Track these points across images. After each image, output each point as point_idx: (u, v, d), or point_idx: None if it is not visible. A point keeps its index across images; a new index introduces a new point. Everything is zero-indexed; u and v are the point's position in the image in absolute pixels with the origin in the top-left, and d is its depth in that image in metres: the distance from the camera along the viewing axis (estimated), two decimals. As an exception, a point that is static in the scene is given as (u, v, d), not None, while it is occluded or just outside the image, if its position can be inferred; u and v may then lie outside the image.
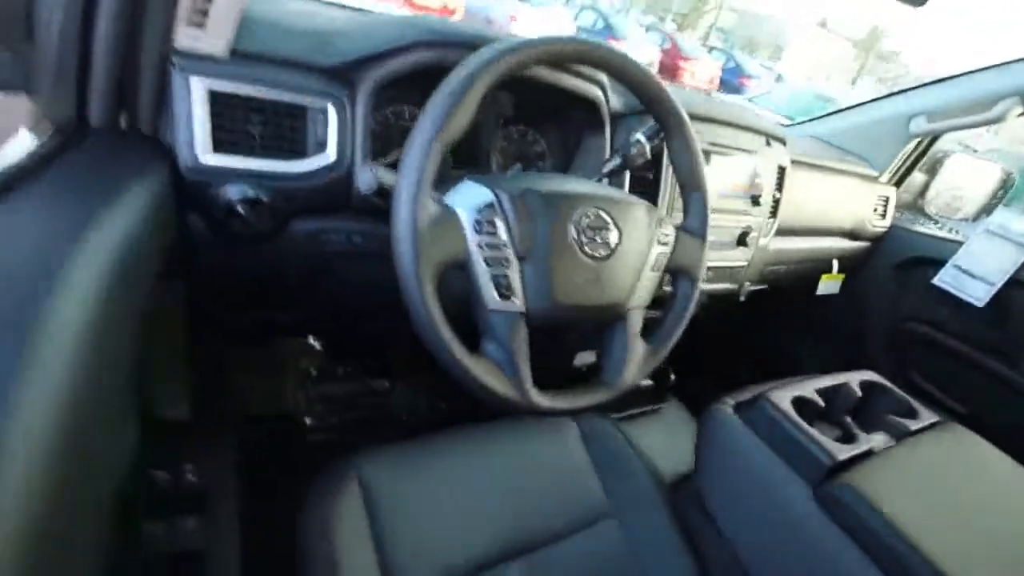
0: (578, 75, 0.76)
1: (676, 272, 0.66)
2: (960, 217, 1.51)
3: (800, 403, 0.75)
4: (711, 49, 16.15)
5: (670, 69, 11.90)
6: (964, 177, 1.50)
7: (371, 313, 0.81)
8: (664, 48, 12.54)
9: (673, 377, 1.21)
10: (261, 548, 0.72)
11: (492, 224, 0.50)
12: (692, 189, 0.66)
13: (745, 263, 1.05)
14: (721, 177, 0.94)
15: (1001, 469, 0.74)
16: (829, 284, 1.40)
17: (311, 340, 1.23)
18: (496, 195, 0.51)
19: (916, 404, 0.83)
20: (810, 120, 1.56)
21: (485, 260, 0.50)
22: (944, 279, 1.31)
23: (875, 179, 1.40)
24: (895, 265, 1.43)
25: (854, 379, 0.84)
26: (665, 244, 0.63)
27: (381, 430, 1.30)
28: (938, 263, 1.34)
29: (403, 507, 0.66)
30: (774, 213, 1.08)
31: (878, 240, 1.45)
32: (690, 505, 0.84)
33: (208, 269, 0.61)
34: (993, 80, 1.17)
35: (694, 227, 0.67)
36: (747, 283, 1.10)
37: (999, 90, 1.16)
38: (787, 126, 1.59)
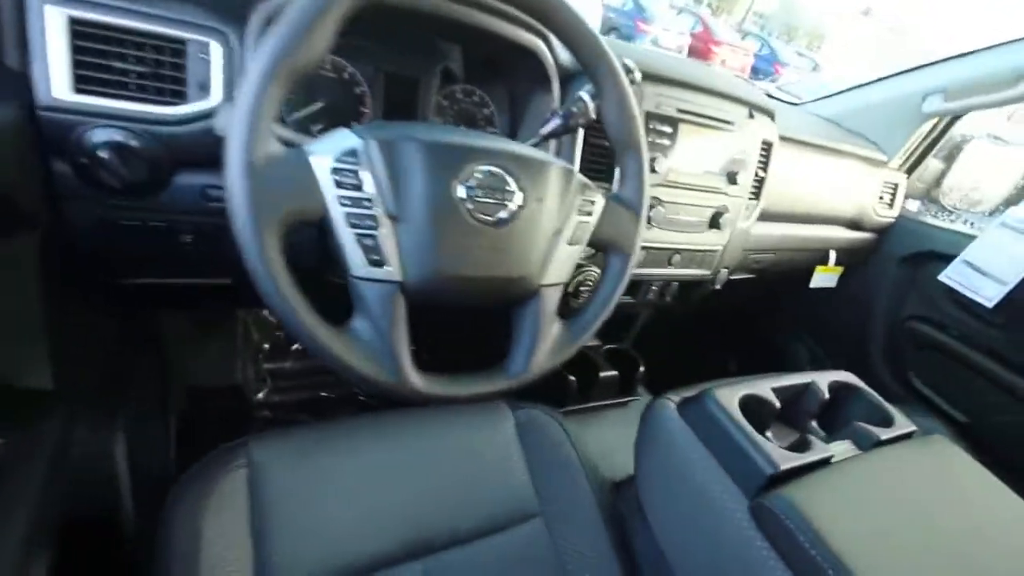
0: (519, 23, 0.68)
1: (604, 247, 0.59)
2: (980, 210, 1.37)
3: (753, 403, 0.67)
4: (745, 35, 15.56)
5: (701, 52, 11.51)
6: (986, 166, 1.36)
7: None
8: (695, 32, 12.13)
9: (642, 369, 1.13)
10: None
11: (355, 175, 0.43)
12: (625, 148, 0.57)
13: (719, 247, 0.96)
14: (692, 150, 0.84)
15: (977, 487, 0.64)
16: (824, 277, 1.29)
17: (266, 312, 1.19)
18: (364, 141, 0.44)
19: (892, 410, 0.74)
20: (818, 99, 1.44)
21: (348, 218, 0.43)
22: (951, 276, 1.19)
23: (884, 164, 1.28)
24: (901, 259, 1.31)
25: (823, 379, 0.75)
26: (588, 214, 0.55)
27: (338, 409, 1.26)
28: (948, 258, 1.21)
29: (294, 498, 0.60)
30: (757, 194, 0.99)
31: (884, 231, 1.33)
32: (629, 508, 0.76)
33: (77, 223, 0.55)
34: (1018, 54, 1.04)
35: (627, 196, 0.58)
36: (723, 270, 1.01)
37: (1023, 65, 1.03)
38: (795, 104, 1.47)
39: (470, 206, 0.46)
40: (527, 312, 0.54)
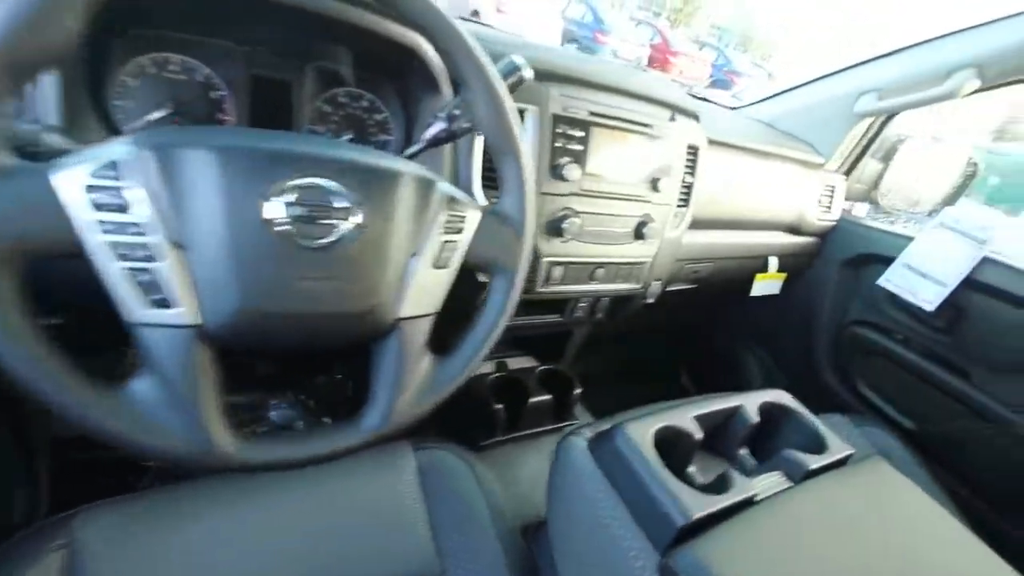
0: (393, 16, 0.60)
1: (483, 268, 0.51)
2: (919, 211, 1.36)
3: (671, 436, 0.60)
4: (702, 46, 16.01)
5: (659, 63, 11.76)
6: (923, 166, 1.34)
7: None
8: (654, 43, 12.40)
9: (578, 391, 1.05)
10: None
11: (118, 193, 0.33)
12: (500, 154, 0.50)
13: (647, 259, 0.89)
14: (608, 156, 0.78)
15: (916, 516, 0.58)
16: (766, 284, 1.25)
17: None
18: (134, 150, 0.34)
19: (827, 433, 0.67)
20: (754, 103, 1.40)
21: (114, 249, 0.34)
22: (891, 279, 1.16)
23: (820, 166, 1.25)
24: (843, 263, 1.28)
25: (753, 402, 0.69)
26: (457, 231, 0.47)
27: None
28: (889, 261, 1.18)
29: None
30: (686, 201, 0.93)
31: (824, 235, 1.30)
32: (544, 557, 0.68)
33: None
34: (946, 49, 1.02)
35: (506, 209, 0.51)
36: (655, 282, 0.95)
37: (953, 60, 1.00)
38: (732, 108, 1.44)
39: (289, 228, 0.38)
40: (384, 351, 0.45)
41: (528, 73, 0.55)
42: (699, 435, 0.60)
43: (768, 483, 0.58)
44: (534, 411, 1.00)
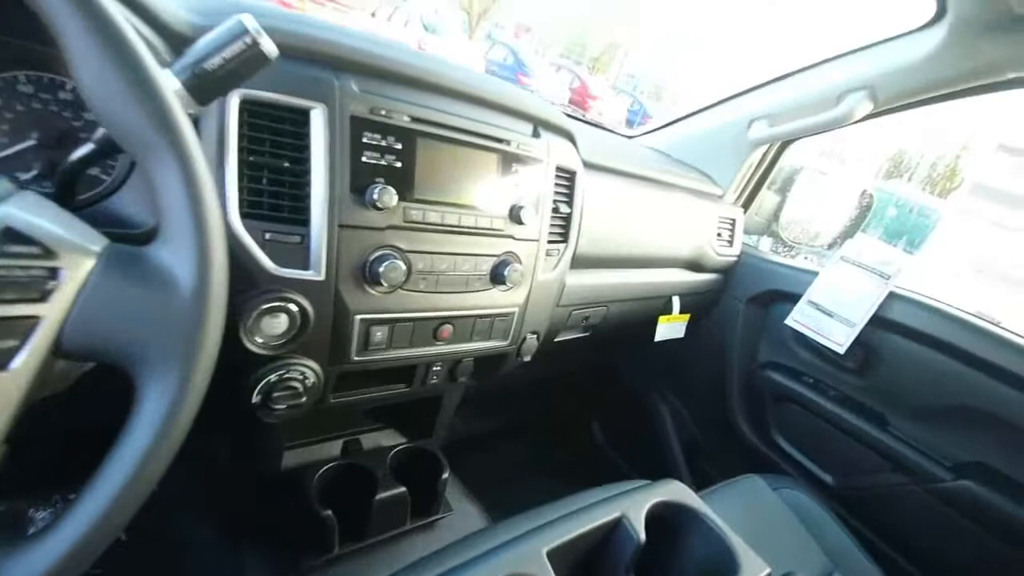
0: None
1: (113, 363, 0.28)
2: (819, 244, 1.29)
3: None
4: (619, 91, 17.03)
5: (579, 104, 12.27)
6: (820, 197, 1.29)
7: None
8: (573, 87, 12.97)
9: (445, 475, 0.82)
10: None
11: None
12: (141, 147, 0.28)
13: (514, 309, 0.70)
14: (446, 177, 0.59)
15: None
16: (669, 327, 1.11)
17: None
18: None
19: (736, 544, 0.50)
20: (650, 131, 1.30)
21: None
22: (798, 319, 1.05)
23: (719, 198, 1.15)
24: (748, 301, 1.17)
25: (638, 508, 0.50)
26: (32, 298, 0.24)
27: None
28: (794, 297, 1.08)
29: None
30: (563, 236, 0.76)
31: (727, 272, 1.19)
32: None
33: None
34: (837, 72, 0.95)
35: (159, 256, 0.29)
36: (529, 336, 0.76)
37: (844, 83, 0.93)
38: (628, 137, 1.33)
39: None
40: None
41: (267, 45, 0.34)
42: None
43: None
44: (385, 510, 0.76)
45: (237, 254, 0.47)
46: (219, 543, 0.76)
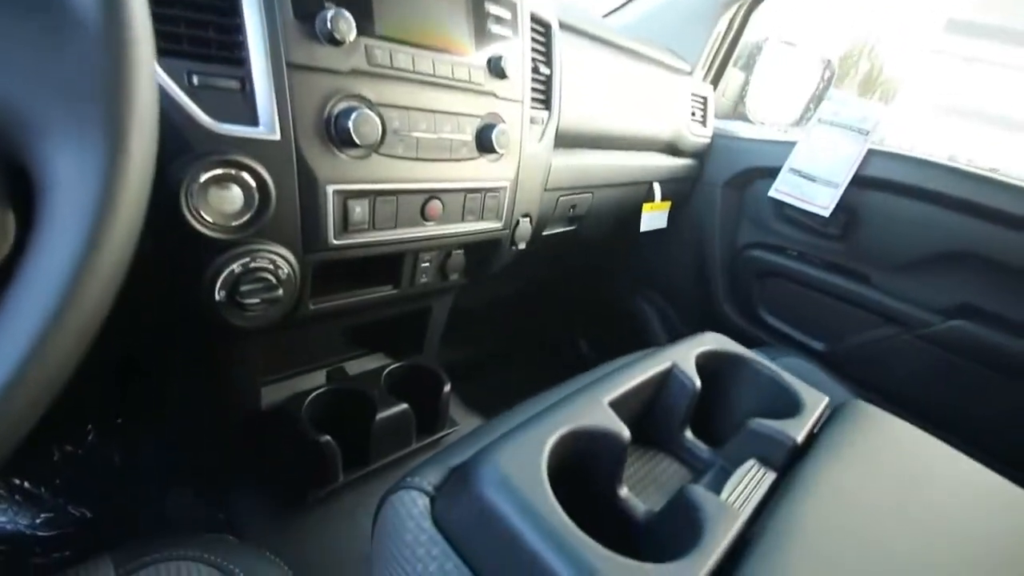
0: None
1: None
2: (789, 121, 1.26)
3: (580, 448, 0.33)
4: None
5: None
6: (785, 72, 1.25)
7: None
8: None
9: (447, 388, 0.76)
10: None
11: None
12: None
13: (504, 182, 0.62)
14: (415, 12, 0.48)
15: (938, 472, 0.38)
16: (654, 216, 1.06)
17: None
18: None
19: (786, 376, 0.46)
20: (615, 10, 1.20)
21: None
22: (781, 189, 1.02)
23: (688, 74, 1.08)
24: (725, 184, 1.14)
25: (686, 357, 0.45)
26: None
27: None
28: (773, 172, 1.05)
29: None
30: (545, 102, 0.67)
31: (702, 155, 1.14)
32: None
33: None
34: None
35: None
36: (522, 219, 0.68)
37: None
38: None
39: None
40: None
41: None
42: (626, 434, 0.34)
43: (745, 487, 0.34)
44: (387, 431, 0.69)
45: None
46: (208, 499, 0.67)
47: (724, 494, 0.33)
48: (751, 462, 0.37)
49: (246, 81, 0.40)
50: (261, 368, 0.64)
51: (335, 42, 0.42)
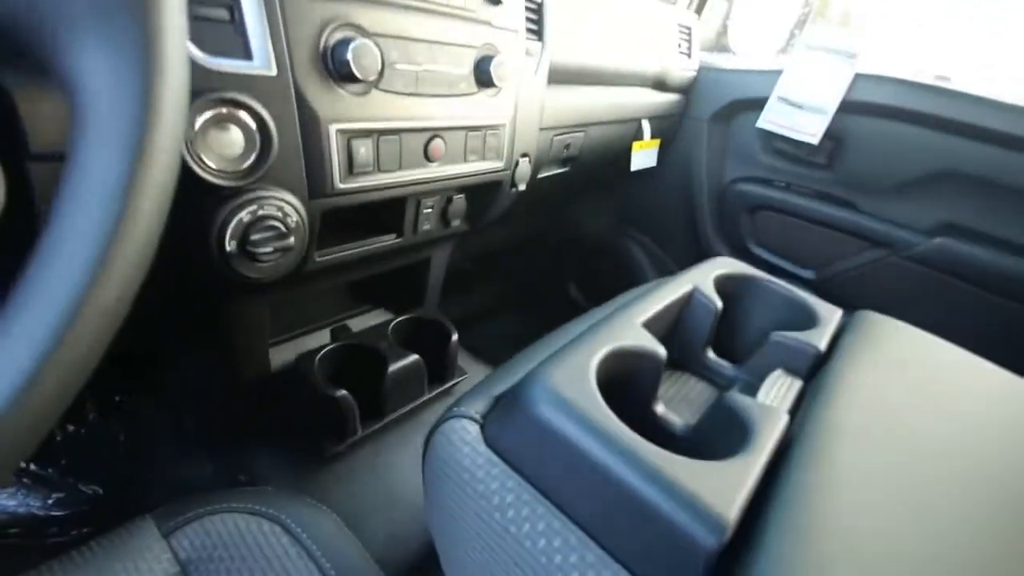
0: None
1: (17, 37, 0.16)
2: (774, 50, 1.25)
3: (619, 368, 0.33)
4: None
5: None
6: (764, 1, 1.22)
7: None
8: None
9: (455, 337, 0.76)
10: None
11: None
12: None
13: (504, 121, 0.60)
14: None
15: (956, 371, 0.40)
16: (645, 155, 1.05)
17: None
18: None
19: (805, 296, 0.47)
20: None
21: None
22: (770, 118, 1.02)
23: (673, 3, 1.04)
24: (711, 118, 1.13)
25: (705, 278, 0.45)
26: None
27: None
28: (760, 104, 1.05)
29: None
30: (537, 32, 0.64)
31: (688, 90, 1.12)
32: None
33: None
34: None
35: None
36: (521, 159, 0.66)
37: None
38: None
39: None
40: None
41: None
42: (663, 352, 0.35)
43: (779, 394, 0.35)
44: (400, 383, 0.69)
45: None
46: (226, 463, 0.67)
47: (760, 399, 0.34)
48: (778, 372, 0.38)
49: (234, 8, 0.36)
50: (269, 328, 0.62)
51: (324, -36, 0.39)
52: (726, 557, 0.23)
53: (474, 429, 0.31)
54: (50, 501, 0.75)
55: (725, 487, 0.24)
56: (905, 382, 0.38)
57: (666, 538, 0.23)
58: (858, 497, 0.27)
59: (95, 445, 0.81)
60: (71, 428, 0.81)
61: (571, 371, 0.30)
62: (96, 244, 0.16)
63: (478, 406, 0.33)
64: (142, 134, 0.16)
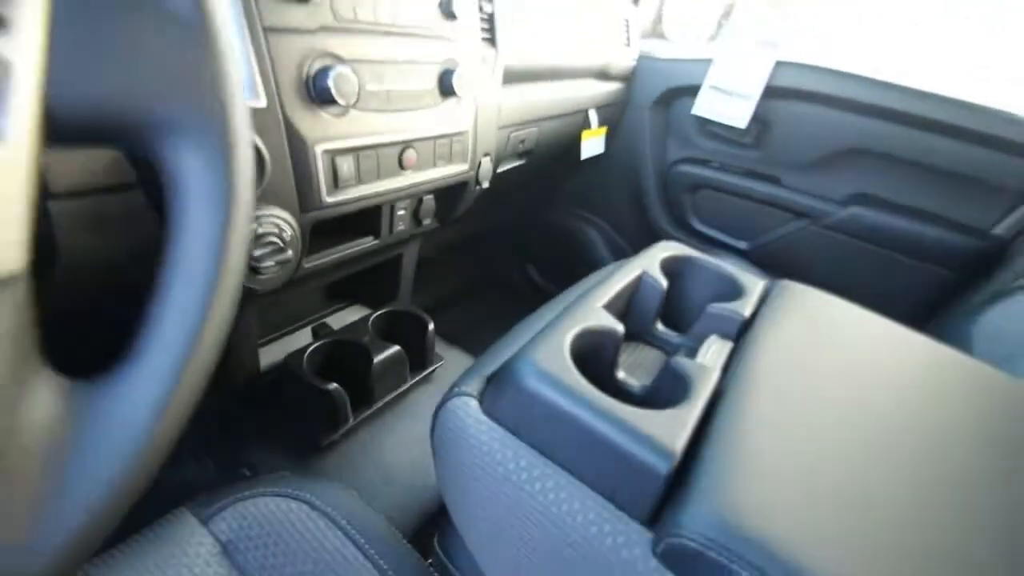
0: None
1: (128, 134, 0.21)
2: (705, 37, 1.34)
3: (587, 345, 0.41)
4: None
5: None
6: (694, -12, 1.30)
7: None
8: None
9: (432, 326, 0.81)
10: None
11: None
12: None
13: (467, 128, 0.65)
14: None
15: (864, 328, 0.50)
16: (593, 143, 1.12)
17: None
18: None
19: (733, 271, 0.56)
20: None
21: None
22: (702, 106, 1.11)
23: (610, -3, 1.11)
24: (652, 105, 1.21)
25: (652, 262, 0.53)
26: None
27: None
28: (695, 90, 1.14)
29: None
30: (491, 39, 0.69)
31: (629, 79, 1.20)
32: (460, 564, 0.47)
33: None
34: None
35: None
36: (484, 159, 0.72)
37: None
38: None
39: None
40: None
41: None
42: (621, 329, 0.42)
43: (713, 355, 0.43)
44: (384, 373, 0.74)
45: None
46: (226, 462, 0.71)
47: (698, 360, 0.42)
48: (713, 337, 0.47)
49: None
50: (256, 331, 0.66)
51: (305, 1, 0.43)
52: (675, 478, 0.31)
53: (474, 404, 0.38)
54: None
55: (672, 428, 0.32)
56: (815, 339, 0.47)
57: (630, 468, 0.30)
58: (774, 431, 0.35)
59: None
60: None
61: (549, 350, 0.37)
62: (217, 265, 0.21)
63: (474, 385, 0.39)
64: (231, 205, 0.21)
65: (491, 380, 0.39)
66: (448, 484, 0.40)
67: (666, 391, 0.39)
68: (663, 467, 0.30)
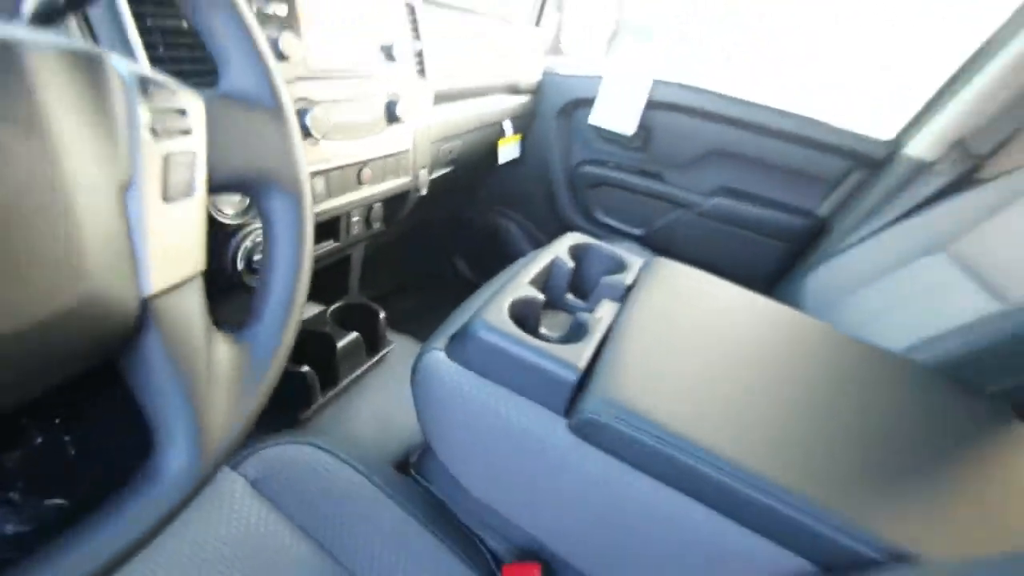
0: None
1: (244, 187, 0.34)
2: (598, 51, 1.55)
3: (520, 307, 0.57)
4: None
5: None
6: (589, 9, 1.51)
7: None
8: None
9: (383, 315, 0.95)
10: None
11: None
12: (204, 5, 0.32)
13: (408, 147, 0.79)
14: (324, 21, 0.61)
15: (720, 291, 0.71)
16: (509, 149, 1.29)
17: None
18: None
19: (620, 253, 0.75)
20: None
21: None
22: (597, 117, 1.32)
23: (512, 22, 1.28)
24: (557, 114, 1.40)
25: (561, 249, 0.71)
26: (184, 132, 0.29)
27: None
28: (590, 102, 1.34)
29: None
30: (422, 70, 0.83)
31: (537, 91, 1.38)
32: (436, 484, 0.63)
33: None
34: None
35: (243, 84, 0.34)
36: (421, 171, 0.86)
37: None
38: None
39: None
40: (143, 360, 0.28)
41: None
42: (541, 297, 0.59)
43: (605, 311, 0.62)
44: (347, 356, 0.87)
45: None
46: None
47: (597, 317, 0.60)
48: (605, 300, 0.65)
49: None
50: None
51: (284, 58, 0.55)
52: (579, 386, 0.48)
53: (442, 356, 0.52)
54: (21, 521, 0.80)
55: (578, 353, 0.49)
56: (675, 299, 0.67)
57: (553, 380, 0.47)
58: (645, 355, 0.54)
59: (47, 463, 0.86)
60: (17, 453, 0.85)
61: (494, 313, 0.53)
62: (297, 263, 0.35)
63: (441, 342, 0.54)
64: (301, 224, 0.35)
65: (454, 338, 0.54)
66: (427, 418, 0.55)
67: (573, 338, 0.57)
68: (572, 377, 0.47)
